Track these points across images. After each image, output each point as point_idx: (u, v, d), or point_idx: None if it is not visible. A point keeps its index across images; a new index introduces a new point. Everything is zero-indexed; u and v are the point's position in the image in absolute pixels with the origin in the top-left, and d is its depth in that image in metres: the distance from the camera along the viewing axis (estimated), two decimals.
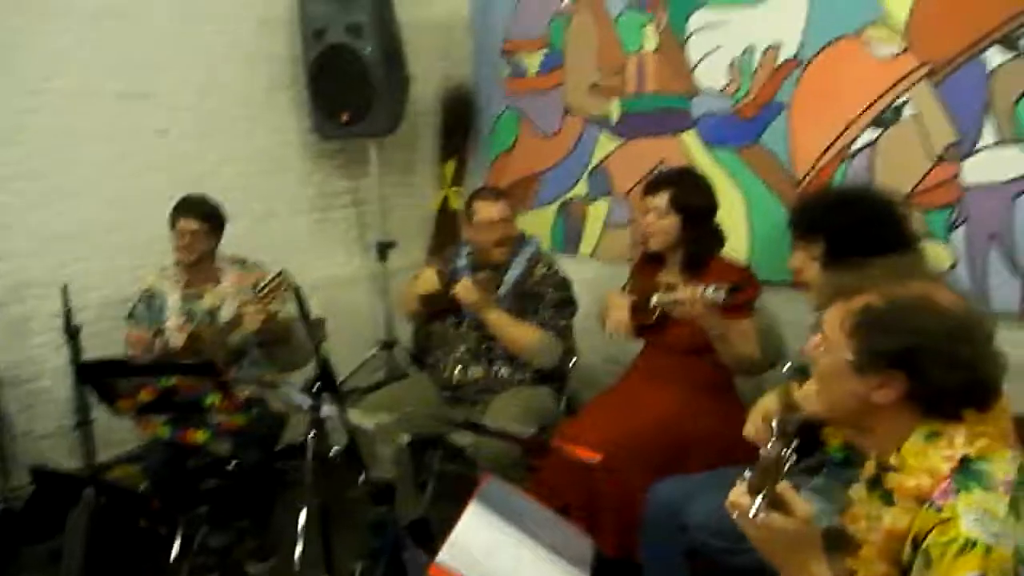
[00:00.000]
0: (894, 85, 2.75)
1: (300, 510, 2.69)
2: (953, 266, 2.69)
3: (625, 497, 2.43)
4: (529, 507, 1.91)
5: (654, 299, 2.65)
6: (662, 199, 2.71)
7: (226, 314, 2.94)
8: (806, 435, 1.51)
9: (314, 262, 3.83)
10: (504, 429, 2.45)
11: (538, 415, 2.91)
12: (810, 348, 1.50)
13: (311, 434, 2.25)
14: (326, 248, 4.05)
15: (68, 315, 2.72)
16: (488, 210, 3.03)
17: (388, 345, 4.02)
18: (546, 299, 3.00)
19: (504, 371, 3.04)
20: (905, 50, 2.71)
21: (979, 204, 2.64)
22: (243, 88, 3.67)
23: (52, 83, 3.15)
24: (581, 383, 3.28)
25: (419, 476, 3.05)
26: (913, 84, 2.72)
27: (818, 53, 2.92)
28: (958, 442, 1.32)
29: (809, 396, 1.57)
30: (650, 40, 3.40)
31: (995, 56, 2.54)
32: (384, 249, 3.94)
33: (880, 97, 2.79)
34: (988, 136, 2.59)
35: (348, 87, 3.61)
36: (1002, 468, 1.30)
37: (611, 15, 3.52)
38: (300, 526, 2.68)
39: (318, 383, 2.19)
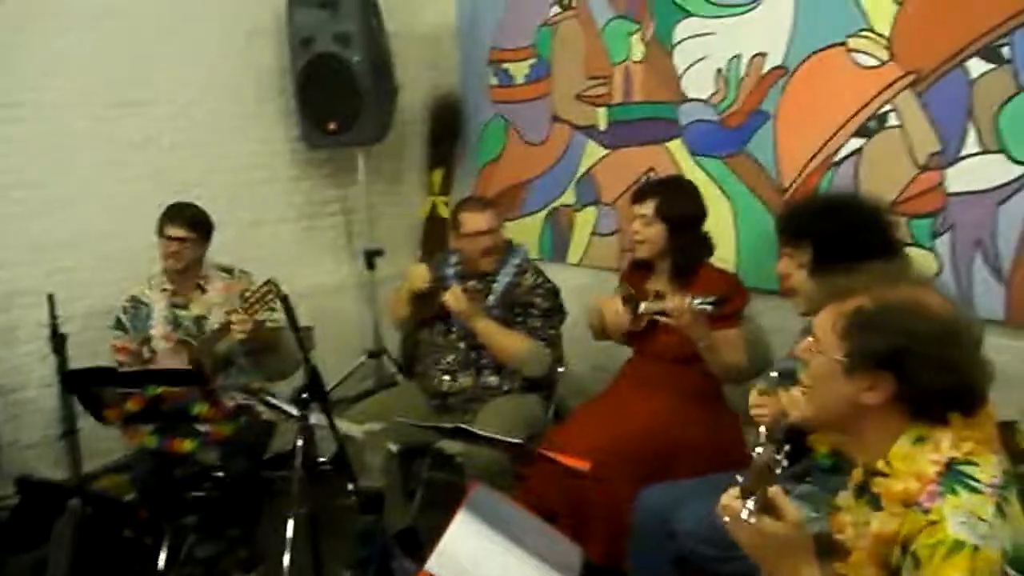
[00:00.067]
0: (878, 94, 2.78)
1: (288, 519, 2.67)
2: (938, 273, 2.70)
3: (613, 505, 2.43)
4: (517, 515, 1.91)
5: (642, 307, 2.66)
6: (648, 207, 2.72)
7: (213, 323, 2.93)
8: (793, 441, 1.52)
9: (302, 270, 3.81)
10: (493, 437, 2.44)
11: (526, 423, 2.90)
12: (802, 350, 1.50)
13: (299, 443, 2.25)
14: (314, 256, 4.04)
15: (54, 324, 2.71)
16: (475, 221, 3.03)
17: (376, 354, 4.01)
18: (535, 308, 2.99)
19: (492, 380, 3.03)
20: (889, 60, 2.74)
21: (963, 212, 2.66)
22: (231, 97, 3.67)
23: (39, 93, 3.15)
24: (569, 391, 3.28)
25: (407, 485, 3.04)
26: (897, 93, 2.74)
27: (803, 62, 2.94)
28: (944, 446, 1.32)
29: (796, 401, 1.58)
30: (637, 49, 3.41)
31: (977, 66, 2.56)
32: (372, 257, 3.94)
33: (865, 106, 2.81)
34: (971, 145, 2.61)
35: (336, 96, 3.61)
36: (988, 471, 1.30)
37: (598, 24, 3.53)
38: (288, 535, 2.67)
39: (306, 392, 2.19)
